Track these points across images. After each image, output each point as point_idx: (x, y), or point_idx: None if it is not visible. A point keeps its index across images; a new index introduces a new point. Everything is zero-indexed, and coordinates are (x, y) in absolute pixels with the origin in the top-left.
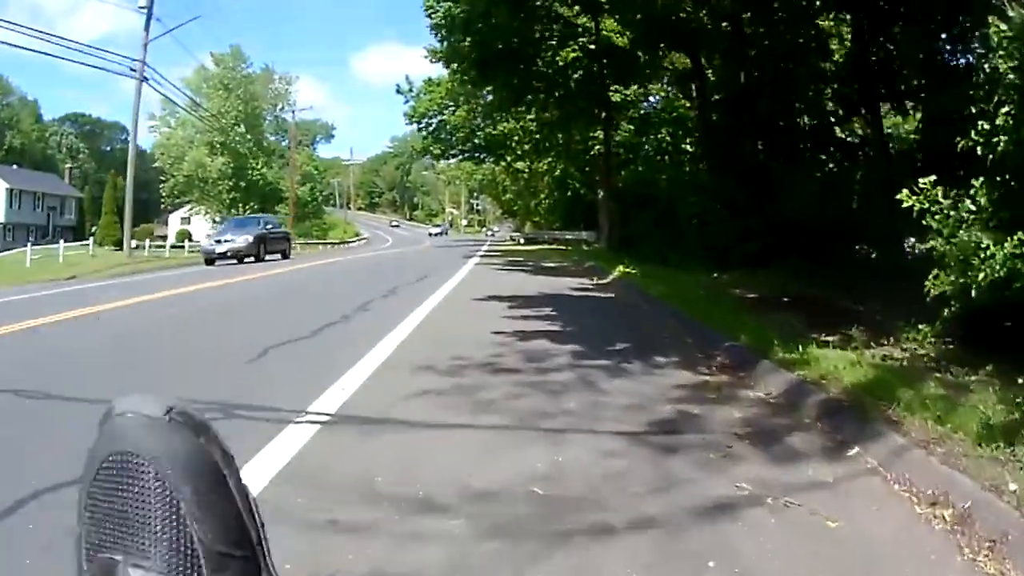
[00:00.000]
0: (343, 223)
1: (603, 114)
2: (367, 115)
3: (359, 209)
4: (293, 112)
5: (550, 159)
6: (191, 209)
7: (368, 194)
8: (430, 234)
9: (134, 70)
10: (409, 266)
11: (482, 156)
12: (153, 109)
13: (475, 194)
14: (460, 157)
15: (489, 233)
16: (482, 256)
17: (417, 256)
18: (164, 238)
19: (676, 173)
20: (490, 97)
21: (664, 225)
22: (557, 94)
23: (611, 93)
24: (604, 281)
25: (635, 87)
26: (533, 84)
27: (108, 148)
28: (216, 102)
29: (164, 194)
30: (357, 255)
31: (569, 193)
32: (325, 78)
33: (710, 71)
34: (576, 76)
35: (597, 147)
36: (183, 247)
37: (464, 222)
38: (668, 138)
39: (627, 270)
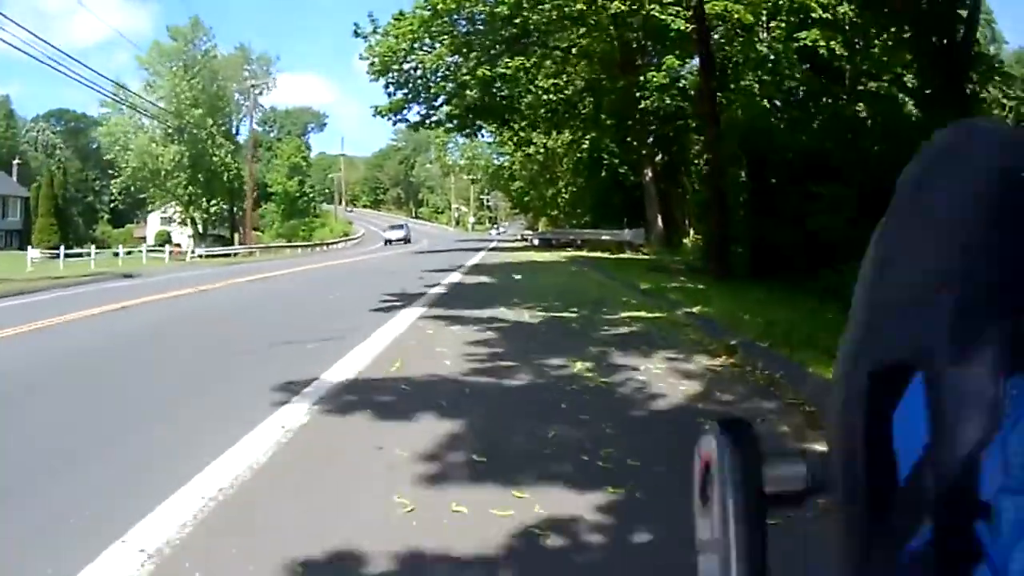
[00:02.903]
0: (333, 221)
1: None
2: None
3: (364, 207)
4: (253, 87)
5: (573, 128)
6: (172, 209)
7: (372, 190)
8: (387, 241)
9: None
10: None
11: (478, 124)
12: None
13: (485, 190)
14: (447, 124)
15: (495, 232)
16: (442, 296)
17: (310, 289)
18: (144, 240)
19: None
20: None
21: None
22: None
23: None
24: None
25: None
26: None
27: (94, 146)
28: (169, 80)
29: (115, 191)
30: (253, 277)
31: (604, 174)
32: (330, 73)
33: None
34: None
35: (649, 98)
36: (161, 251)
37: (472, 219)
38: (766, 77)
39: None
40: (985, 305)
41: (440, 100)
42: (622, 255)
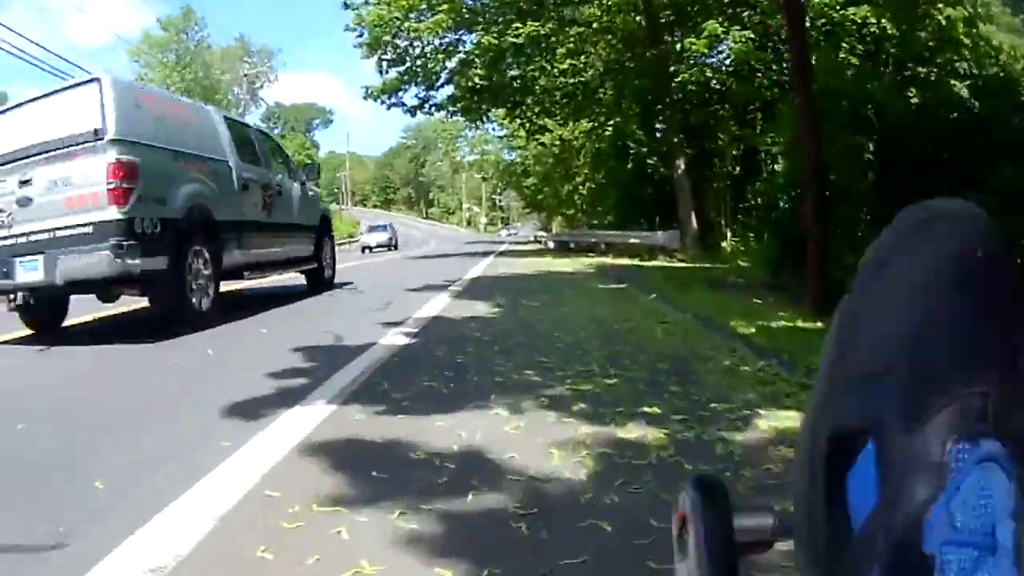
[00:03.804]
0: (339, 221)
1: None
2: (384, 110)
3: (374, 206)
4: (246, 76)
5: (593, 116)
6: None
7: (383, 190)
8: (365, 248)
9: None
10: None
11: (485, 108)
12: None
13: (498, 189)
14: (450, 108)
15: (505, 232)
16: (388, 365)
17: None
18: None
19: None
20: None
21: None
22: None
23: None
24: None
25: None
26: None
27: None
28: (159, 71)
29: None
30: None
31: (630, 165)
32: (341, 72)
33: None
34: None
35: (687, 71)
36: None
37: (484, 220)
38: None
39: None
40: (931, 381)
41: (441, 79)
42: (655, 262)
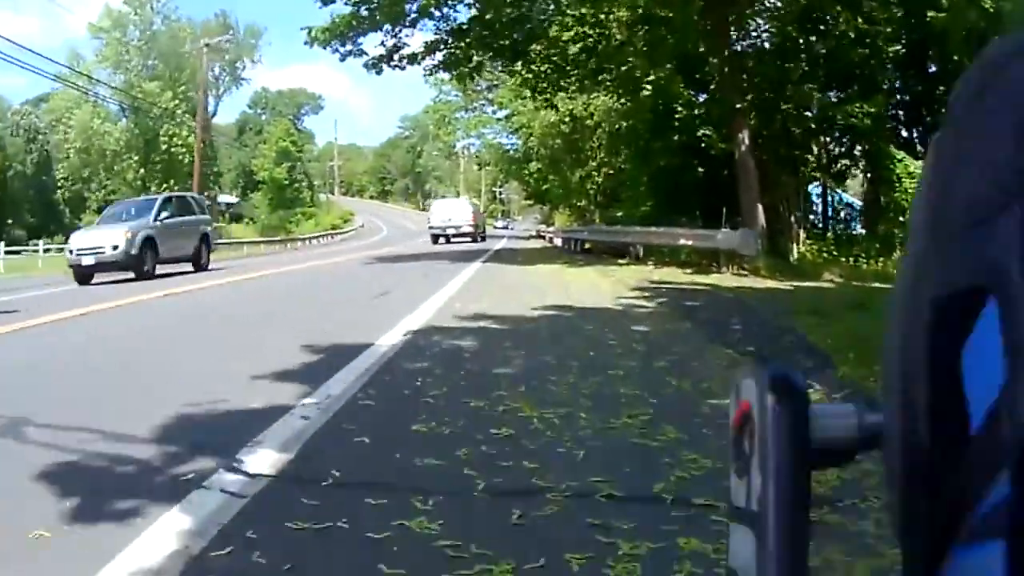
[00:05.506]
0: (324, 213)
1: None
2: (386, 100)
3: (370, 198)
4: (206, 46)
5: (627, 70)
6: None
7: (380, 181)
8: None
9: None
10: None
11: (476, 57)
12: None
13: (498, 180)
14: (428, 60)
15: (502, 225)
16: None
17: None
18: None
19: None
20: None
21: None
22: None
23: None
24: None
25: None
26: None
27: None
28: (112, 47)
29: (61, 177)
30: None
31: (677, 137)
32: (341, 63)
33: None
34: None
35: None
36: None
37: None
38: None
39: None
40: None
41: (411, 14)
42: (724, 277)
